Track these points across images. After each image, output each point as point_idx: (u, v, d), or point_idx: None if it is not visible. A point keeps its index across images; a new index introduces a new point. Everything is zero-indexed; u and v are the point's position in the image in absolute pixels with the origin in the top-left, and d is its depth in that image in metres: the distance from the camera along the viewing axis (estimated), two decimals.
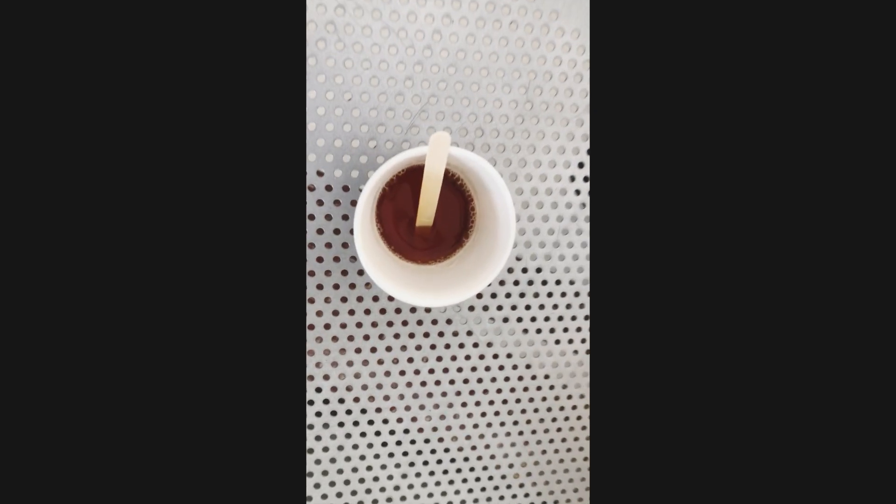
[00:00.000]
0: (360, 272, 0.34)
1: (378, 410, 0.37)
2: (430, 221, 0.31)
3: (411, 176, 0.31)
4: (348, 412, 0.36)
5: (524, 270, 0.37)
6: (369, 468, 0.38)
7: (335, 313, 0.35)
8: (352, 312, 0.35)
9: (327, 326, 0.35)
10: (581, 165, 0.36)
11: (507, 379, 0.38)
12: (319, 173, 0.32)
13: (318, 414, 0.36)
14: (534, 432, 0.40)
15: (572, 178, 0.36)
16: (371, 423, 0.37)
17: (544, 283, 0.37)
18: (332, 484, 0.37)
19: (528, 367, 0.38)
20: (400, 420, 0.37)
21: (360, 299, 0.35)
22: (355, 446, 0.37)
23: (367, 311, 0.35)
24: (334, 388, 0.36)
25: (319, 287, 0.34)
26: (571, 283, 0.38)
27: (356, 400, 0.36)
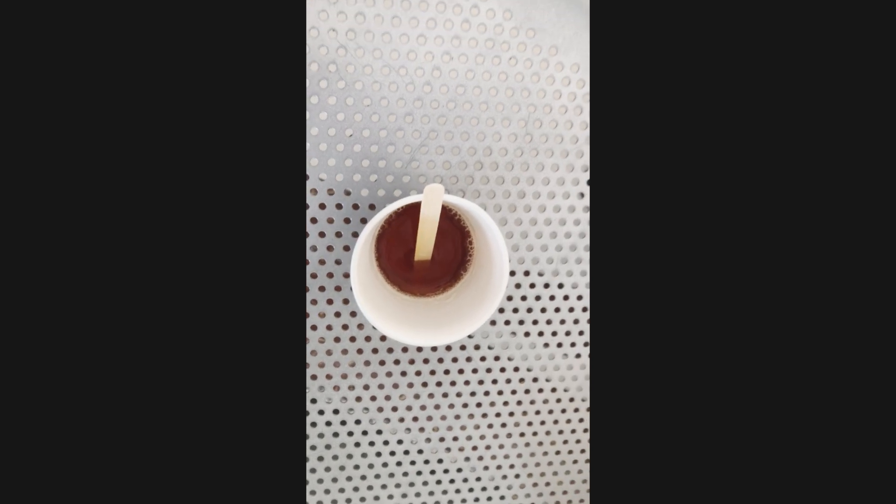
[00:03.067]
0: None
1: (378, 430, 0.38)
2: (429, 256, 0.31)
3: (409, 210, 0.31)
4: (348, 431, 0.38)
5: (523, 298, 0.37)
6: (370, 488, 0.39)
7: (326, 331, 0.36)
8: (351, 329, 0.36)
9: (321, 339, 0.36)
10: (581, 196, 0.36)
11: (513, 392, 0.39)
12: (322, 206, 0.33)
13: (319, 432, 0.37)
14: (540, 443, 0.41)
15: (572, 209, 0.36)
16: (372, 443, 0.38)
17: (543, 310, 0.38)
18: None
19: (534, 380, 0.39)
20: (401, 441, 0.38)
21: (349, 325, 0.36)
22: (356, 466, 0.38)
23: (354, 331, 0.36)
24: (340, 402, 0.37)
25: (321, 316, 0.35)
26: (571, 310, 0.38)
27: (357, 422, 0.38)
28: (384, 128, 0.32)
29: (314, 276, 0.34)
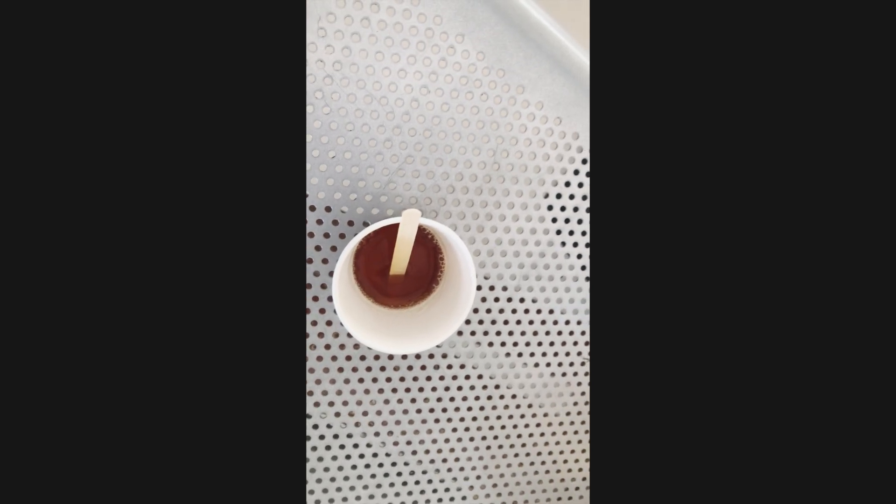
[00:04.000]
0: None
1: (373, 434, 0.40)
2: (404, 271, 0.34)
3: (386, 228, 0.34)
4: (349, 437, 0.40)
5: (488, 311, 0.40)
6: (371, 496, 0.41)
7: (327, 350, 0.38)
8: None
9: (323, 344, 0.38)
10: (542, 220, 0.40)
11: (492, 407, 0.42)
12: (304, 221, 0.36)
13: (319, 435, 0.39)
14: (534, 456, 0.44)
15: (533, 231, 0.40)
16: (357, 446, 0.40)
17: (506, 322, 0.41)
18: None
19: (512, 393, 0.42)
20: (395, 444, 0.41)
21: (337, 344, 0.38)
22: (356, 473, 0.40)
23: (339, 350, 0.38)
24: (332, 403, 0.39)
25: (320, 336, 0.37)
26: (531, 322, 0.41)
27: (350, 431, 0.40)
28: (365, 151, 0.35)
29: (308, 310, 0.36)
